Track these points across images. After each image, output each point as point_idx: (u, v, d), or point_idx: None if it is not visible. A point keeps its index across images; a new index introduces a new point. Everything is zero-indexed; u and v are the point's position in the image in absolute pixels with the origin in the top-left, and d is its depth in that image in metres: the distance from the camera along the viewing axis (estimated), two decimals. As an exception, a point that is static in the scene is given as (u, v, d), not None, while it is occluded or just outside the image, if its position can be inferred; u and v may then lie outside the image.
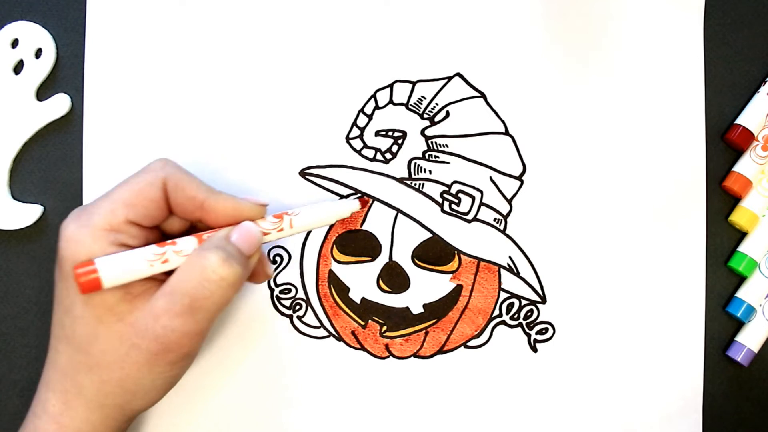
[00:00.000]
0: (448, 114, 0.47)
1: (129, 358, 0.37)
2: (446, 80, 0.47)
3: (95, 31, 0.47)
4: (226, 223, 0.39)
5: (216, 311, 0.37)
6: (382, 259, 0.47)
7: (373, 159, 0.47)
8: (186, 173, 0.39)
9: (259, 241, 0.39)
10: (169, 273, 0.38)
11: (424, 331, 0.47)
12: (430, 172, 0.47)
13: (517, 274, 0.47)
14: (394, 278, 0.47)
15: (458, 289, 0.47)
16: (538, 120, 0.47)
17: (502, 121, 0.47)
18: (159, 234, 0.41)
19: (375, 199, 0.47)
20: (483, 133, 0.47)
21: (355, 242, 0.47)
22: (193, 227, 0.41)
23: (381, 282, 0.47)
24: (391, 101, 0.47)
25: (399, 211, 0.47)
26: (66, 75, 0.48)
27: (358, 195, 0.46)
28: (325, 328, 0.47)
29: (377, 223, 0.47)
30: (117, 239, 0.37)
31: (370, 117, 0.47)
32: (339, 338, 0.47)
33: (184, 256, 0.38)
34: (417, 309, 0.47)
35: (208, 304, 0.37)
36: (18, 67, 0.47)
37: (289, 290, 0.47)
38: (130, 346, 0.37)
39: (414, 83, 0.47)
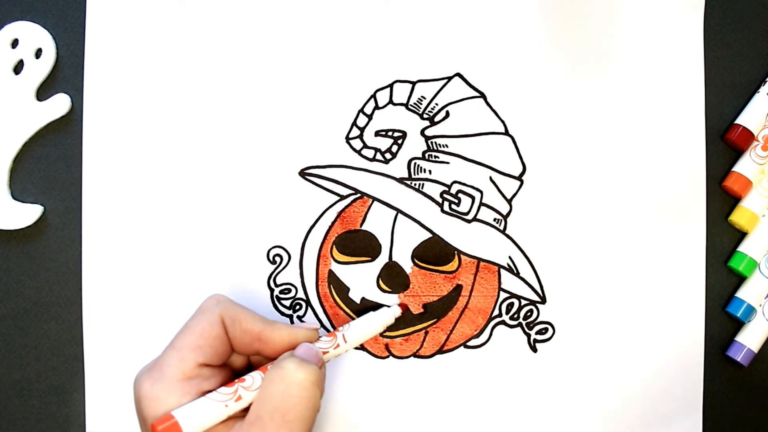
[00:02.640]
0: (447, 114, 0.47)
1: None
2: (446, 80, 0.47)
3: (95, 31, 0.47)
4: (283, 350, 0.40)
5: (310, 418, 0.37)
6: (382, 259, 0.47)
7: (373, 159, 0.47)
8: (240, 307, 0.40)
9: (320, 357, 0.40)
10: (245, 410, 0.38)
11: (423, 330, 0.47)
12: (430, 172, 0.47)
13: (517, 274, 0.47)
14: (394, 278, 0.47)
15: (458, 289, 0.47)
16: (538, 120, 0.47)
17: (502, 121, 0.47)
18: (230, 371, 0.41)
19: (375, 199, 0.47)
20: (483, 133, 0.47)
21: (355, 242, 0.47)
22: (250, 365, 0.42)
23: (381, 282, 0.47)
24: (391, 101, 0.47)
25: (399, 211, 0.47)
26: (66, 75, 0.48)
27: (400, 306, 0.47)
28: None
29: (377, 223, 0.47)
30: (192, 387, 0.38)
31: (369, 117, 0.47)
32: (339, 338, 0.47)
33: (254, 390, 0.38)
34: (417, 309, 0.47)
35: (300, 413, 0.37)
36: (18, 67, 0.47)
37: (289, 290, 0.47)
38: None
39: (414, 83, 0.47)
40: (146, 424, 0.38)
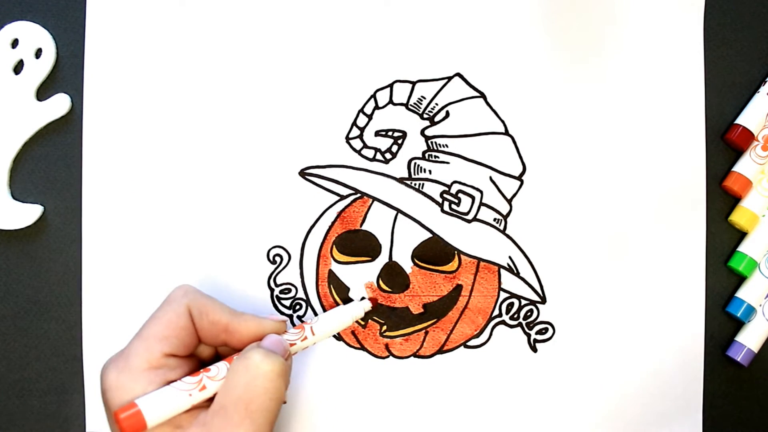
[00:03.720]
0: (448, 114, 0.47)
1: None
2: (446, 80, 0.47)
3: (95, 31, 0.47)
4: (250, 341, 0.40)
5: (274, 409, 0.37)
6: (382, 259, 0.47)
7: (373, 159, 0.47)
8: (208, 298, 0.40)
9: (287, 348, 0.40)
10: (210, 400, 0.38)
11: (423, 330, 0.47)
12: (430, 172, 0.47)
13: (517, 274, 0.47)
14: (394, 278, 0.47)
15: (458, 289, 0.47)
16: (538, 120, 0.47)
17: (502, 121, 0.47)
18: (197, 361, 0.41)
19: (375, 199, 0.47)
20: (483, 133, 0.47)
21: (355, 242, 0.47)
22: (218, 356, 0.42)
23: (381, 282, 0.47)
24: (391, 101, 0.47)
25: (399, 211, 0.47)
26: (66, 75, 0.48)
27: (367, 298, 0.47)
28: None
29: (377, 223, 0.47)
30: (157, 376, 0.38)
31: (369, 117, 0.47)
32: (339, 338, 0.47)
33: (219, 380, 0.38)
34: (417, 309, 0.47)
35: (263, 403, 0.37)
36: (18, 67, 0.47)
37: (289, 290, 0.47)
38: None
39: (414, 83, 0.47)
40: (111, 414, 0.37)
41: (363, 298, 0.47)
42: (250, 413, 0.36)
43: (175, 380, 0.38)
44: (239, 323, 0.40)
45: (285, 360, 0.39)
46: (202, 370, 0.39)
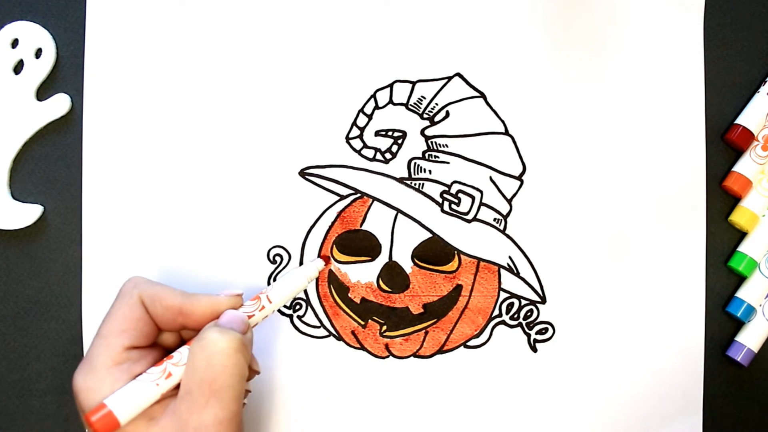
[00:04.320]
0: (448, 114, 0.47)
1: None
2: (446, 80, 0.47)
3: (95, 31, 0.47)
4: (208, 320, 0.40)
5: (237, 385, 0.37)
6: (382, 259, 0.47)
7: (373, 159, 0.47)
8: (158, 285, 0.40)
9: (245, 322, 0.40)
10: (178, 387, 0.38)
11: (423, 330, 0.47)
12: (430, 172, 0.47)
13: (517, 274, 0.47)
14: (394, 278, 0.47)
15: (458, 289, 0.47)
16: (538, 120, 0.47)
17: (502, 121, 0.47)
18: (162, 350, 0.41)
19: (375, 199, 0.47)
20: (483, 133, 0.47)
21: (355, 242, 0.47)
22: (183, 341, 0.42)
23: (381, 282, 0.47)
24: (391, 101, 0.47)
25: (399, 211, 0.47)
26: (66, 75, 0.48)
27: (322, 257, 0.47)
28: (325, 328, 0.47)
29: (377, 223, 0.47)
30: (123, 371, 0.38)
31: (369, 117, 0.47)
32: (339, 338, 0.47)
33: (183, 365, 0.38)
34: (417, 309, 0.47)
35: (226, 381, 0.36)
36: (18, 67, 0.47)
37: (289, 290, 0.47)
38: None
39: (414, 83, 0.47)
40: (83, 416, 0.37)
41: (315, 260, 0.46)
42: (215, 392, 0.36)
43: (141, 373, 0.38)
44: (192, 304, 0.40)
45: (244, 333, 0.39)
46: (165, 358, 0.38)
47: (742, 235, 0.48)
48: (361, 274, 0.47)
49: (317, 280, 0.47)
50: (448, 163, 0.47)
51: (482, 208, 0.47)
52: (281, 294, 0.42)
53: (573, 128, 0.48)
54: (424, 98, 0.47)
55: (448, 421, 0.47)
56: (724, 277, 0.48)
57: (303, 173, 0.47)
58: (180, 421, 0.36)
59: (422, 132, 0.47)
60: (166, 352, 0.41)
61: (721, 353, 0.48)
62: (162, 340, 0.41)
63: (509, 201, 0.47)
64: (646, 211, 0.47)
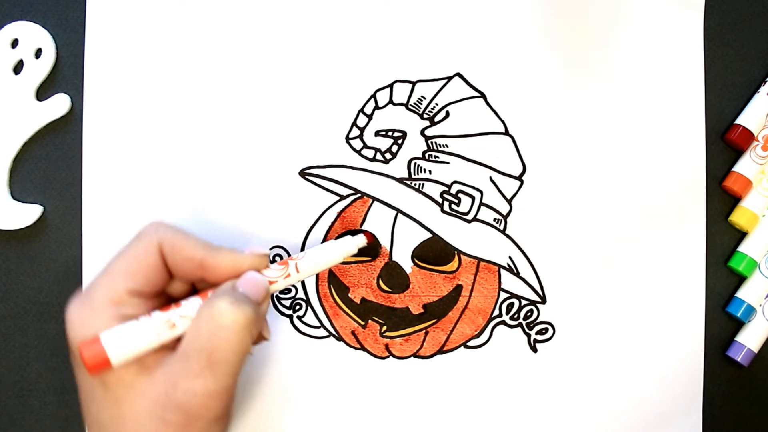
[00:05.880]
0: (448, 114, 0.47)
1: None
2: (446, 80, 0.47)
3: (95, 31, 0.47)
4: (228, 278, 0.38)
5: (236, 362, 0.36)
6: (382, 259, 0.47)
7: (373, 159, 0.47)
8: (181, 233, 0.38)
9: (265, 288, 0.38)
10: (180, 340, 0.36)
11: (424, 331, 0.47)
12: (430, 172, 0.47)
13: (517, 274, 0.47)
14: (394, 278, 0.47)
15: (458, 289, 0.47)
16: (538, 120, 0.47)
17: (502, 121, 0.47)
18: (166, 300, 0.39)
19: (375, 199, 0.47)
20: (483, 133, 0.47)
21: (355, 242, 0.47)
22: (196, 289, 0.40)
23: (381, 282, 0.47)
24: (391, 101, 0.47)
25: (399, 211, 0.47)
26: (66, 75, 0.48)
27: (365, 234, 0.44)
28: (325, 328, 0.47)
29: (377, 223, 0.47)
30: (120, 312, 0.36)
31: (369, 117, 0.47)
32: (339, 338, 0.47)
33: (191, 318, 0.36)
34: (417, 309, 0.47)
35: (226, 355, 0.35)
36: (18, 67, 0.47)
37: (289, 290, 0.47)
38: (158, 421, 0.35)
39: (414, 83, 0.47)
40: (74, 353, 0.36)
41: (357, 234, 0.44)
42: (211, 364, 0.35)
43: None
44: (215, 258, 0.37)
45: (260, 304, 0.37)
46: (173, 305, 0.36)
47: (742, 235, 0.48)
48: (361, 274, 0.47)
49: (317, 279, 0.47)
50: (448, 163, 0.47)
51: (482, 208, 0.47)
52: (312, 265, 0.40)
53: (573, 128, 0.48)
54: (424, 98, 0.47)
55: (448, 421, 0.47)
56: (724, 277, 0.48)
57: (303, 173, 0.47)
58: (171, 380, 0.35)
59: (422, 132, 0.47)
60: (169, 302, 0.39)
61: (721, 353, 0.48)
62: (172, 288, 0.39)
63: (509, 201, 0.47)
64: (646, 211, 0.47)
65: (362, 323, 0.47)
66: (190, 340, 0.35)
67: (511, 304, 0.47)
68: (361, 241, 0.43)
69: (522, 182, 0.47)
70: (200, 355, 0.35)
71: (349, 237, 0.43)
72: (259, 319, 0.37)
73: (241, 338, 0.35)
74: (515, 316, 0.47)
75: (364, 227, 0.47)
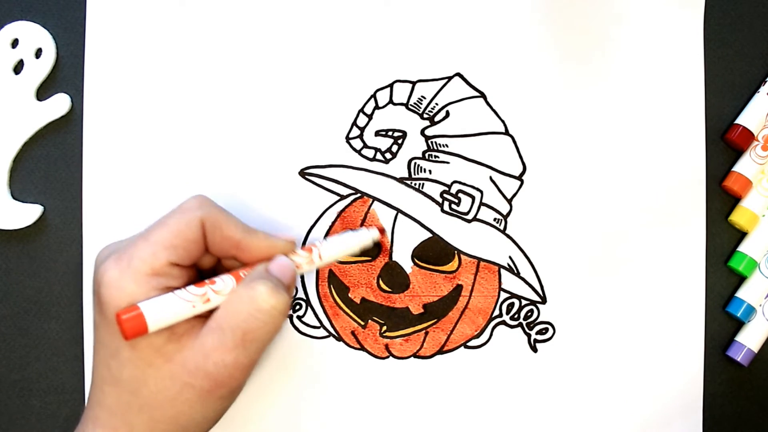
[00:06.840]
0: (448, 114, 0.47)
1: (181, 397, 0.37)
2: (446, 80, 0.47)
3: (95, 31, 0.47)
4: (260, 259, 0.40)
5: (267, 341, 0.38)
6: (382, 259, 0.47)
7: (373, 159, 0.47)
8: (224, 212, 0.40)
9: (294, 273, 0.40)
10: (211, 310, 0.38)
11: (424, 331, 0.47)
12: (430, 172, 0.47)
13: (517, 274, 0.47)
14: (394, 278, 0.47)
15: (458, 289, 0.47)
16: (538, 120, 0.47)
17: (502, 121, 0.47)
18: (195, 271, 0.41)
19: (375, 199, 0.47)
20: (483, 133, 0.47)
21: (355, 242, 0.47)
22: (220, 264, 0.42)
23: (381, 282, 0.47)
24: (391, 101, 0.47)
25: (399, 211, 0.47)
26: (66, 75, 0.48)
27: (378, 228, 0.46)
28: (325, 328, 0.47)
29: (377, 223, 0.47)
30: (159, 283, 0.38)
31: (370, 117, 0.47)
32: (339, 338, 0.47)
33: (223, 295, 0.38)
34: (417, 309, 0.47)
35: (260, 335, 0.37)
36: (18, 67, 0.47)
37: (289, 290, 0.47)
38: (182, 385, 0.37)
39: (414, 83, 0.47)
40: (104, 312, 0.37)
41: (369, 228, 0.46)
42: (245, 342, 0.37)
43: (174, 289, 0.38)
44: (251, 240, 0.40)
45: (289, 287, 0.39)
46: (207, 282, 0.38)
47: (742, 235, 0.48)
48: (361, 274, 0.47)
49: (317, 279, 0.47)
50: (448, 163, 0.47)
51: (482, 208, 0.47)
52: (332, 254, 0.43)
53: (573, 128, 0.48)
54: (424, 98, 0.47)
55: (448, 421, 0.47)
56: (724, 277, 0.48)
57: (303, 173, 0.47)
58: (202, 350, 0.37)
59: (422, 132, 0.47)
60: (198, 273, 0.41)
61: (721, 353, 0.48)
62: (201, 261, 0.41)
63: (509, 201, 0.47)
64: (646, 211, 0.47)
65: (362, 323, 0.47)
66: (227, 317, 0.37)
67: (512, 304, 0.47)
68: (375, 234, 0.45)
69: (522, 182, 0.47)
70: (235, 332, 0.37)
71: (364, 229, 0.45)
72: (291, 305, 0.40)
73: (276, 322, 0.38)
74: (515, 316, 0.47)
75: (363, 227, 0.47)
